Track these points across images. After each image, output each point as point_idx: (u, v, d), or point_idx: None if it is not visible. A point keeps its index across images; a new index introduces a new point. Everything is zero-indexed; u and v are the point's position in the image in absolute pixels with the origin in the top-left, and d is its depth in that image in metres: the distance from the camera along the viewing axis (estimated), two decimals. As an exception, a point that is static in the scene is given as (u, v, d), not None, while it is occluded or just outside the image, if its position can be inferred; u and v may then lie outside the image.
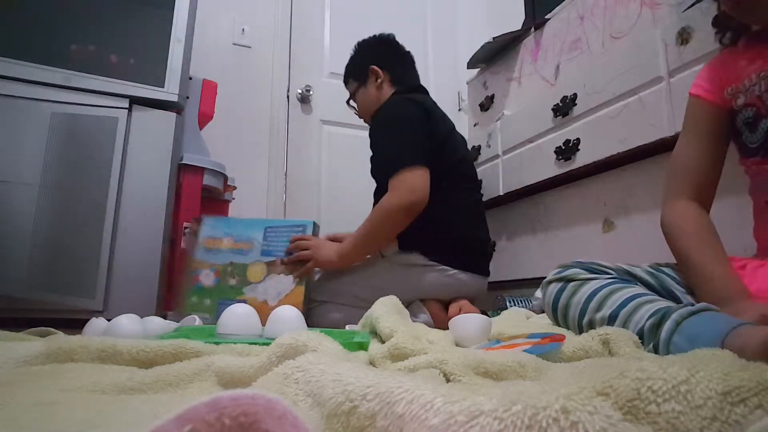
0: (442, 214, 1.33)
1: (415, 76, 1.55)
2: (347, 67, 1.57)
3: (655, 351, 0.57)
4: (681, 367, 0.24)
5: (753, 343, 0.44)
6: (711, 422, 0.22)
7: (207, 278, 1.27)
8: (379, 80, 1.48)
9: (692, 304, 0.57)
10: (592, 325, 0.68)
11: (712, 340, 0.49)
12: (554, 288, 0.77)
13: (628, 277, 0.73)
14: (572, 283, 0.75)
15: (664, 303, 0.62)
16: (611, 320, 0.65)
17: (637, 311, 0.62)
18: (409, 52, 1.56)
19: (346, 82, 1.59)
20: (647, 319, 0.59)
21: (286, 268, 1.26)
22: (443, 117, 1.44)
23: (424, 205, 1.25)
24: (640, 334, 0.59)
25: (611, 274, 0.74)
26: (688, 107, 0.84)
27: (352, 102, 1.57)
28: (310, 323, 1.26)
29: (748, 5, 0.71)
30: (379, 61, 1.50)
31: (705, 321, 0.54)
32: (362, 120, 1.56)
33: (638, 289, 0.68)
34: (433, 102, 1.45)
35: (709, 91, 0.81)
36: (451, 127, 1.47)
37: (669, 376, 0.24)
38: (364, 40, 1.57)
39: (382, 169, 1.34)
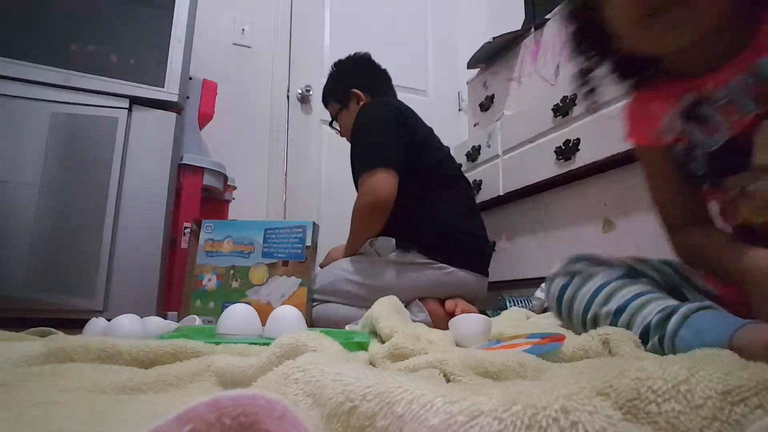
0: (436, 211, 1.35)
1: (393, 93, 1.59)
2: (327, 88, 1.62)
3: (660, 343, 0.57)
4: (681, 367, 0.24)
5: (759, 341, 0.44)
6: (711, 422, 0.22)
7: (210, 282, 1.27)
8: (360, 103, 1.53)
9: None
10: (596, 321, 0.68)
11: (720, 335, 0.49)
12: (560, 281, 0.76)
13: (635, 275, 0.72)
14: (579, 276, 0.74)
15: (673, 301, 0.61)
16: (618, 314, 0.65)
17: (645, 306, 0.62)
18: (385, 70, 1.61)
19: (326, 103, 1.63)
20: (656, 314, 0.59)
21: (287, 269, 1.26)
22: (420, 120, 1.49)
23: (388, 205, 1.29)
24: (647, 329, 0.59)
25: (619, 269, 0.72)
26: (636, 153, 0.82)
27: (335, 124, 1.63)
28: (310, 323, 1.26)
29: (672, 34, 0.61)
30: (359, 83, 1.55)
31: (713, 316, 0.54)
32: (345, 139, 1.59)
33: (646, 286, 0.67)
34: (409, 107, 1.49)
35: (639, 136, 0.78)
36: (430, 129, 1.51)
37: (669, 375, 0.24)
38: (341, 61, 1.61)
39: (353, 174, 1.42)
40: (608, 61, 0.74)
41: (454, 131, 2.53)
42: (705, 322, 0.53)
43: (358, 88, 1.53)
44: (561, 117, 1.46)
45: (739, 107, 0.62)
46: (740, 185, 0.66)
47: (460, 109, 2.63)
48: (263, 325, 0.73)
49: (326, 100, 1.63)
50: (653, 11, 0.58)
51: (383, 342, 0.63)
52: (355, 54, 1.62)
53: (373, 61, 1.61)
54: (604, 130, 1.31)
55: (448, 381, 0.44)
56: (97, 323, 0.78)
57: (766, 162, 0.61)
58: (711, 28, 0.59)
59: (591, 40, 0.72)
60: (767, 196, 0.64)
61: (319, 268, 1.45)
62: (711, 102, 0.64)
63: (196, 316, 0.97)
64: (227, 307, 0.75)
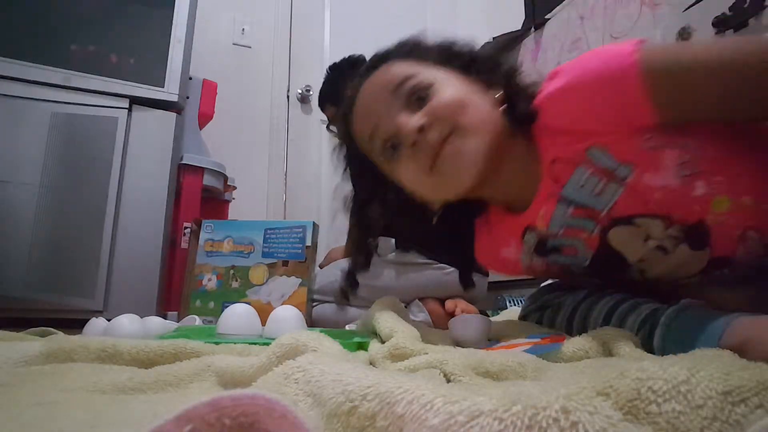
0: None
1: None
2: (323, 92, 1.61)
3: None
4: (681, 367, 0.24)
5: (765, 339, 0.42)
6: (711, 422, 0.22)
7: (210, 282, 1.27)
8: None
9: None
10: None
11: (708, 341, 0.47)
12: (534, 318, 0.75)
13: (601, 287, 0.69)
14: (550, 309, 0.72)
15: (646, 307, 0.58)
16: None
17: (623, 324, 0.59)
18: None
19: (322, 107, 1.62)
20: (637, 334, 0.56)
21: (287, 269, 1.26)
22: None
23: None
24: None
25: (583, 290, 0.69)
26: None
27: (332, 127, 1.61)
28: (310, 323, 1.26)
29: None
30: None
31: (694, 319, 0.52)
32: None
33: (614, 296, 0.63)
34: None
35: (508, 270, 0.75)
36: None
37: (669, 376, 0.24)
38: (336, 64, 1.61)
39: None
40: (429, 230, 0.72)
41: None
42: (688, 328, 0.51)
43: None
44: (561, 117, 1.46)
45: (581, 229, 0.60)
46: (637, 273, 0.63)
47: (460, 109, 2.63)
48: (263, 325, 0.73)
49: (322, 104, 1.63)
50: (433, 159, 0.57)
51: (383, 342, 0.63)
52: (349, 56, 1.62)
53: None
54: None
55: (448, 381, 0.44)
56: (97, 323, 0.78)
57: (640, 257, 0.59)
58: (489, 155, 0.57)
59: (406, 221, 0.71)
60: (667, 274, 0.61)
61: (318, 268, 1.45)
62: (552, 236, 0.62)
63: (196, 316, 0.97)
64: (227, 307, 0.75)
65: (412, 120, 0.57)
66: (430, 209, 0.67)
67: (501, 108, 0.60)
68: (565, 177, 0.58)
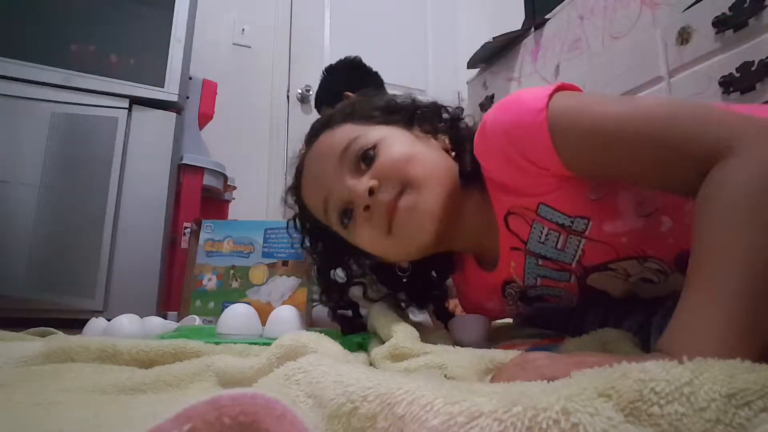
0: None
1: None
2: (319, 94, 1.61)
3: None
4: (685, 369, 0.24)
5: None
6: (714, 425, 0.22)
7: (210, 282, 1.27)
8: None
9: None
10: None
11: None
12: (529, 323, 0.74)
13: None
14: (543, 314, 0.71)
15: (642, 312, 0.58)
16: None
17: (619, 328, 0.59)
18: (376, 72, 1.59)
19: (319, 109, 1.62)
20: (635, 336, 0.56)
21: (287, 269, 1.26)
22: None
23: None
24: None
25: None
26: None
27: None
28: (310, 323, 1.26)
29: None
30: (351, 87, 1.52)
31: None
32: None
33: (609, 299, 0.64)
34: None
35: (496, 315, 0.75)
36: None
37: (672, 377, 0.23)
38: (332, 66, 1.61)
39: None
40: (402, 288, 0.71)
41: (454, 131, 2.54)
42: None
43: (350, 92, 1.54)
44: (561, 117, 1.46)
45: (557, 279, 0.59)
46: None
47: (460, 110, 2.63)
48: (263, 325, 0.73)
49: (319, 106, 1.63)
50: (389, 220, 0.55)
51: (383, 342, 0.63)
52: (345, 58, 1.62)
53: (364, 64, 1.60)
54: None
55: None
56: (97, 323, 0.78)
57: (626, 291, 0.58)
58: (446, 206, 0.55)
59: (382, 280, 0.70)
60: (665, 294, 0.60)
61: None
62: (530, 287, 0.61)
63: (196, 316, 0.97)
64: (227, 307, 0.75)
65: (361, 183, 0.55)
66: (399, 269, 0.66)
67: (452, 154, 0.58)
68: (524, 232, 0.56)
